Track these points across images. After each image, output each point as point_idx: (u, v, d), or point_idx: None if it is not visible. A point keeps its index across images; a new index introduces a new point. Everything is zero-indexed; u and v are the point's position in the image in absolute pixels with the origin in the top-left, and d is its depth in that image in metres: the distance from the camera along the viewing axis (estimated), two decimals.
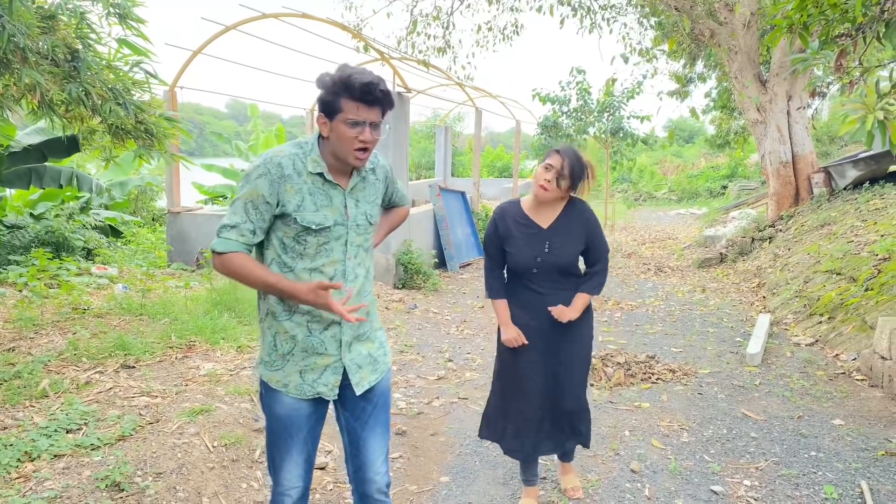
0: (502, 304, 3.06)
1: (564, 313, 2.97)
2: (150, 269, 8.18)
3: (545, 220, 2.98)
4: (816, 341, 5.99)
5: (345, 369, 2.14)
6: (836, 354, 5.53)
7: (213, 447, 3.34)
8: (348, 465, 2.29)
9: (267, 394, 2.16)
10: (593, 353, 4.47)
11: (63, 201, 11.02)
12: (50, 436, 3.23)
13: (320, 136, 2.08)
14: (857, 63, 5.01)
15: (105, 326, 5.37)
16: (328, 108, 1.99)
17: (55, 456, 3.05)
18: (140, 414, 3.59)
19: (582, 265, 3.12)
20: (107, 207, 12.31)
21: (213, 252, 2.00)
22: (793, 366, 5.36)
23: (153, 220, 15.28)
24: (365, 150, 2.01)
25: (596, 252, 3.05)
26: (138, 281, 7.31)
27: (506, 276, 3.13)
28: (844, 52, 4.68)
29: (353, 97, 1.95)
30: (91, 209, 11.15)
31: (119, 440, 3.24)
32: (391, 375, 2.37)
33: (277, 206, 1.99)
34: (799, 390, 4.79)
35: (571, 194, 2.96)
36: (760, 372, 5.23)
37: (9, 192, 10.95)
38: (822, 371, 5.18)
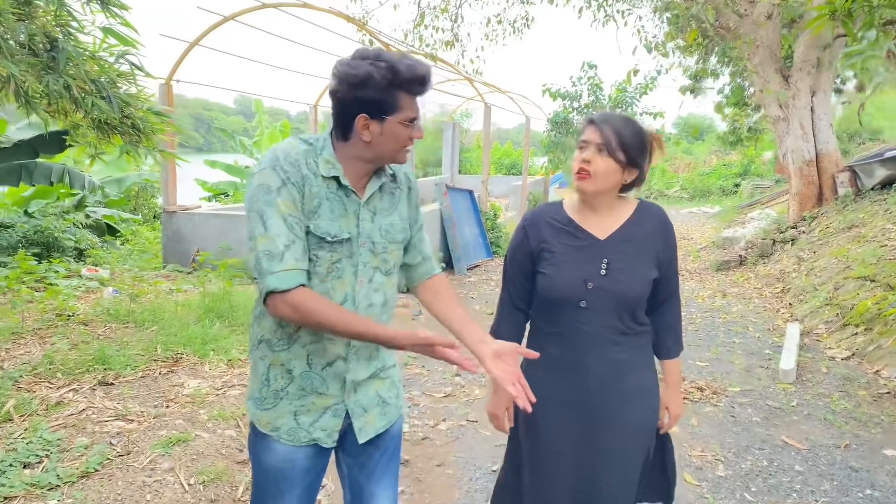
0: None
1: (675, 413, 2.10)
2: (141, 271, 7.79)
3: (602, 228, 1.96)
4: (853, 355, 5.55)
5: (347, 412, 1.76)
6: (877, 370, 5.10)
7: (190, 485, 2.95)
8: None
9: (255, 438, 1.79)
10: None
11: (58, 199, 10.67)
12: (4, 471, 2.85)
13: (332, 134, 1.70)
14: None
15: (88, 335, 5.00)
16: (380, 106, 1.60)
17: (5, 498, 2.66)
18: (111, 443, 3.21)
19: None
20: (104, 205, 11.96)
21: (273, 293, 1.56)
22: (831, 383, 4.93)
23: (154, 217, 14.94)
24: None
25: (668, 284, 2.01)
26: (129, 284, 6.94)
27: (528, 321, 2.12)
28: None
29: (412, 91, 1.61)
30: (87, 206, 10.79)
31: (81, 477, 2.86)
32: (403, 420, 1.96)
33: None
34: (842, 413, 4.36)
35: (628, 180, 1.95)
36: (796, 390, 4.80)
37: (2, 190, 10.62)
38: (863, 390, 4.75)
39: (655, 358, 2.09)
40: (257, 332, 1.76)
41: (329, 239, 1.63)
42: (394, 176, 1.80)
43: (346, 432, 1.79)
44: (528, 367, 2.03)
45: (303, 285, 1.57)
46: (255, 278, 1.60)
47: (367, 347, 1.76)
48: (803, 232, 10.12)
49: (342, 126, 1.65)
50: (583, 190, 1.92)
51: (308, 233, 1.62)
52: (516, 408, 2.10)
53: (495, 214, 11.69)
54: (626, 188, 1.98)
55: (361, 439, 1.78)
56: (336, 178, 1.66)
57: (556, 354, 1.97)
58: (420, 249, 1.90)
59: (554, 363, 1.97)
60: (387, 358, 1.86)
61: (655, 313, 2.05)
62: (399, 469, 1.94)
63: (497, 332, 2.11)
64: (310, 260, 1.64)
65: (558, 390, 1.97)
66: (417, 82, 1.60)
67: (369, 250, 1.71)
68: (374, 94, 1.58)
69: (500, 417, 2.10)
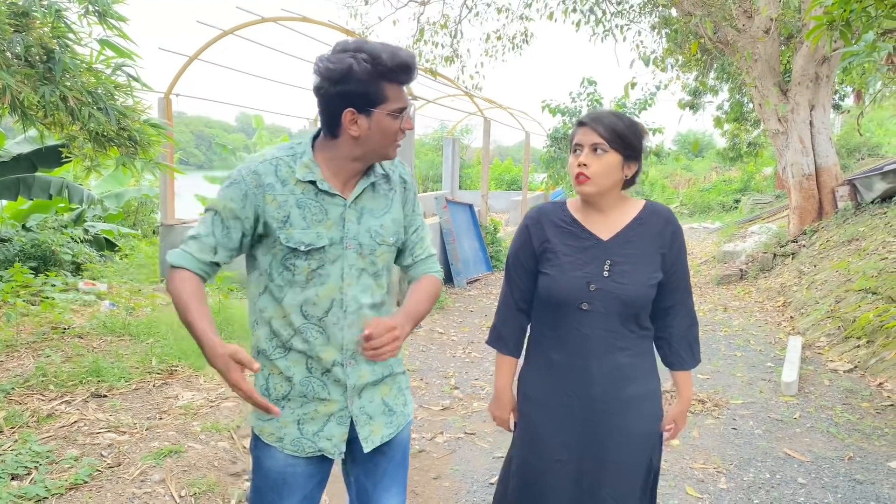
0: (507, 362, 2.05)
1: (681, 427, 2.05)
2: (137, 284, 7.76)
3: (606, 228, 1.90)
4: (855, 367, 5.49)
5: (352, 419, 1.72)
6: (880, 383, 5.03)
7: (180, 497, 2.89)
8: None
9: (257, 444, 1.76)
10: None
11: (57, 213, 10.64)
12: None
13: (316, 137, 1.67)
14: None
15: (82, 348, 4.95)
16: (365, 99, 1.56)
17: None
18: (101, 455, 3.15)
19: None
20: (102, 219, 11.94)
21: (170, 266, 1.64)
22: (833, 396, 4.86)
23: (154, 232, 14.92)
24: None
25: (675, 288, 1.92)
26: (126, 298, 6.89)
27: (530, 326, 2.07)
28: None
29: (398, 80, 1.57)
30: (85, 221, 10.76)
31: (70, 489, 2.79)
32: (411, 427, 1.93)
33: (257, 222, 1.60)
34: (845, 425, 4.30)
35: (628, 175, 1.87)
36: (798, 403, 4.74)
37: (1, 204, 10.60)
38: (866, 402, 4.69)
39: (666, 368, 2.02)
40: (254, 342, 1.74)
41: (303, 249, 1.60)
42: (387, 176, 1.75)
43: (353, 440, 1.75)
44: (529, 372, 2.00)
45: (188, 269, 1.61)
46: None
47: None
48: (804, 245, 10.08)
49: (329, 124, 1.61)
50: (584, 193, 1.87)
51: (279, 242, 1.61)
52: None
53: (495, 228, 11.66)
54: (627, 184, 1.91)
55: (367, 448, 1.74)
56: (313, 182, 1.62)
57: (558, 359, 1.91)
58: (412, 252, 1.83)
59: (556, 368, 1.92)
60: (394, 364, 1.81)
61: (663, 321, 1.96)
62: (407, 477, 1.90)
63: (501, 335, 2.04)
64: (287, 269, 1.62)
65: (560, 396, 1.91)
66: (401, 70, 1.56)
67: (356, 252, 1.66)
68: (358, 87, 1.54)
69: (502, 420, 2.09)
